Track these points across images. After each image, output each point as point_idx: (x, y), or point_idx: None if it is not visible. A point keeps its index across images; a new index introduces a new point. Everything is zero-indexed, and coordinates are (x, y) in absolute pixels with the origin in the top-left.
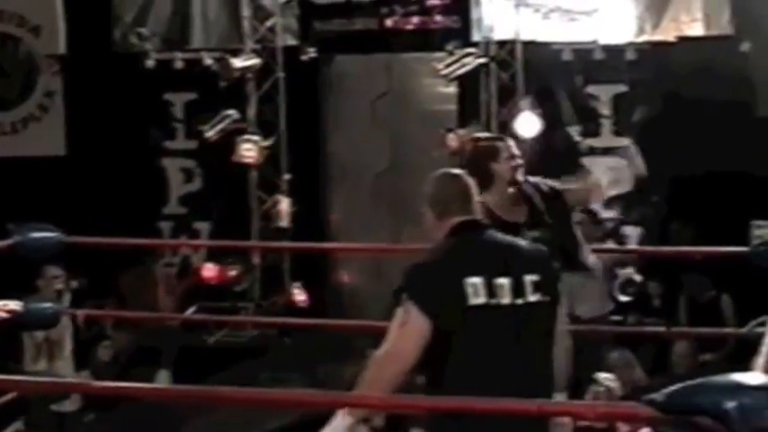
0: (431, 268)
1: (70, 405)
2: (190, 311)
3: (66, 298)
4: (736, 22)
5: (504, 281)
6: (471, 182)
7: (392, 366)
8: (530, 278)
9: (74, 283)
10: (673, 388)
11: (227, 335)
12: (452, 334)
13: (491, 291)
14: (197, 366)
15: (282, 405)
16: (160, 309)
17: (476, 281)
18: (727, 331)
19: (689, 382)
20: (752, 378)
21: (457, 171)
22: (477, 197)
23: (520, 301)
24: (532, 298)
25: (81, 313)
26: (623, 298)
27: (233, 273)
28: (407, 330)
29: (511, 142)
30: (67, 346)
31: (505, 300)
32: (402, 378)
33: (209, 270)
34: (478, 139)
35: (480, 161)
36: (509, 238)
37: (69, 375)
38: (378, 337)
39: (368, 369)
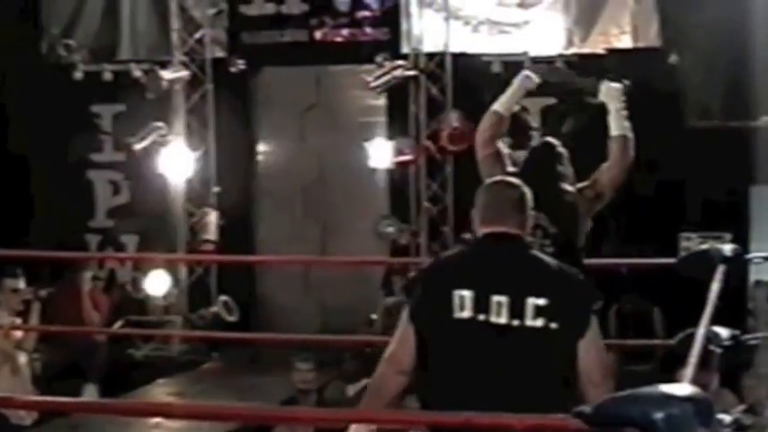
0: (427, 276)
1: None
2: (117, 325)
3: (36, 308)
4: (665, 35)
5: (502, 299)
6: (524, 194)
7: (387, 368)
8: (534, 301)
9: (42, 293)
10: (601, 399)
11: (154, 349)
12: (431, 343)
13: (482, 306)
14: (124, 380)
15: (212, 418)
16: (87, 322)
17: (465, 294)
18: (656, 343)
19: (618, 394)
20: (680, 389)
21: (513, 180)
22: (529, 211)
23: (516, 323)
24: (532, 322)
25: (5, 327)
26: None
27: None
28: (402, 334)
29: None
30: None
31: (500, 319)
32: (404, 379)
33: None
34: None
35: None
36: (534, 257)
37: (27, 389)
38: (306, 349)
39: (376, 370)
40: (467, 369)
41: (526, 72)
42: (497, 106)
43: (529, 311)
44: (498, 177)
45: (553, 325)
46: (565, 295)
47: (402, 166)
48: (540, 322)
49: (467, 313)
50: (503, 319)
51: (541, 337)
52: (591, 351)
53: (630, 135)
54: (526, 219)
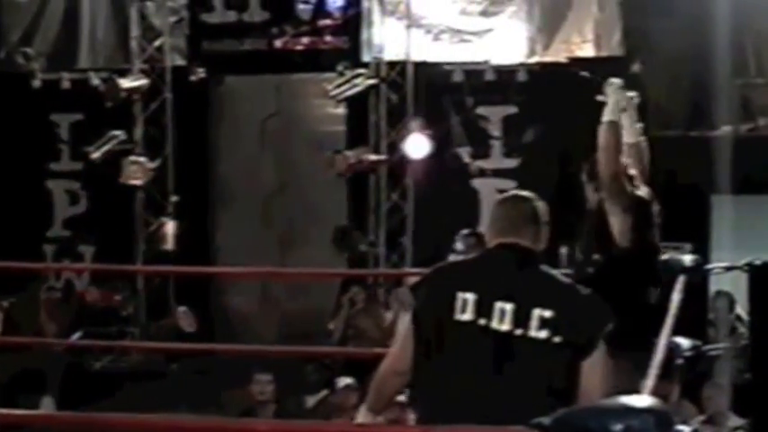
0: (433, 277)
1: None
2: (75, 336)
3: None
4: (628, 44)
5: (507, 306)
6: (540, 207)
7: (387, 368)
8: (539, 312)
9: (5, 303)
10: (560, 411)
11: (112, 360)
12: (429, 344)
13: (484, 311)
14: (82, 392)
15: (169, 431)
16: (44, 333)
17: (468, 297)
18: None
19: (575, 406)
20: (639, 400)
21: (527, 194)
22: (543, 224)
23: (518, 332)
24: (535, 333)
25: None
26: None
27: (117, 297)
28: (403, 333)
29: None
30: None
31: (503, 326)
32: (403, 380)
33: (93, 294)
34: None
35: None
36: (545, 271)
37: None
38: (265, 360)
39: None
40: (460, 372)
41: (611, 79)
42: (611, 116)
43: (534, 322)
44: (512, 192)
45: (557, 339)
46: (574, 311)
47: (362, 175)
48: (543, 334)
49: (467, 316)
50: (505, 327)
51: (543, 349)
52: (595, 373)
53: (621, 123)
54: (539, 231)
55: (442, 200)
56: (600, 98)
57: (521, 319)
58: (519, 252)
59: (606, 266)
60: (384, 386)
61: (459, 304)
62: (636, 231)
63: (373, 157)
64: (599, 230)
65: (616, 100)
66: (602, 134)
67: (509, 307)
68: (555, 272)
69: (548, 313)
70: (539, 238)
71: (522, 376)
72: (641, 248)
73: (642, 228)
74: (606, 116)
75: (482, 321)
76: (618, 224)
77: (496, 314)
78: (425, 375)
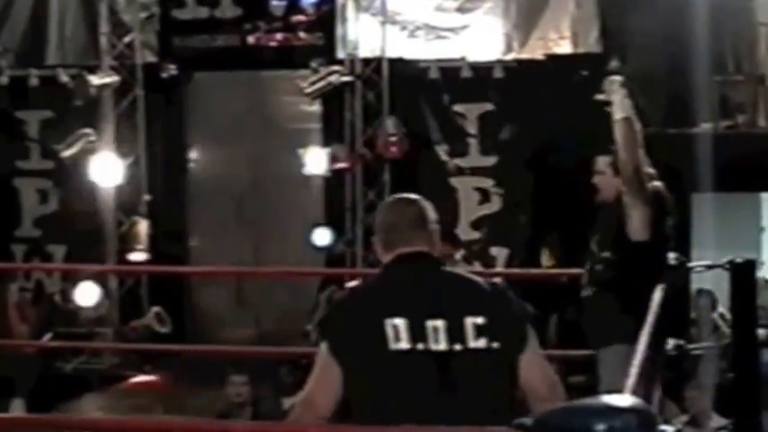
0: (349, 306)
1: None
2: (46, 338)
3: None
4: (605, 41)
5: (438, 323)
6: (427, 208)
7: (307, 415)
8: (472, 321)
9: None
10: (543, 411)
11: (84, 362)
12: (366, 382)
13: (418, 334)
14: (54, 394)
15: None
16: (14, 335)
17: (398, 323)
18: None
19: (558, 405)
20: (622, 400)
21: (412, 196)
22: (433, 225)
23: (458, 347)
24: (474, 344)
25: None
26: None
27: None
28: (321, 376)
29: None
30: None
31: (439, 345)
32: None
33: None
34: None
35: None
36: (456, 274)
37: None
38: (241, 361)
39: (291, 413)
40: (412, 405)
41: (611, 78)
42: (624, 113)
43: (469, 332)
44: (395, 196)
45: (495, 344)
46: (501, 311)
47: (337, 173)
48: (482, 343)
49: (404, 344)
50: (442, 346)
51: (486, 358)
52: (534, 365)
53: (634, 116)
54: (433, 234)
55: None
56: (600, 97)
57: (455, 333)
58: (424, 261)
59: (625, 259)
60: None
61: (390, 333)
62: (654, 224)
63: (349, 154)
64: (618, 224)
65: (622, 96)
66: (620, 131)
67: (440, 324)
68: (461, 272)
69: (480, 320)
70: (433, 241)
71: (476, 392)
72: (657, 240)
73: (660, 220)
74: (618, 113)
75: (420, 346)
76: (639, 218)
77: (430, 335)
78: (367, 416)
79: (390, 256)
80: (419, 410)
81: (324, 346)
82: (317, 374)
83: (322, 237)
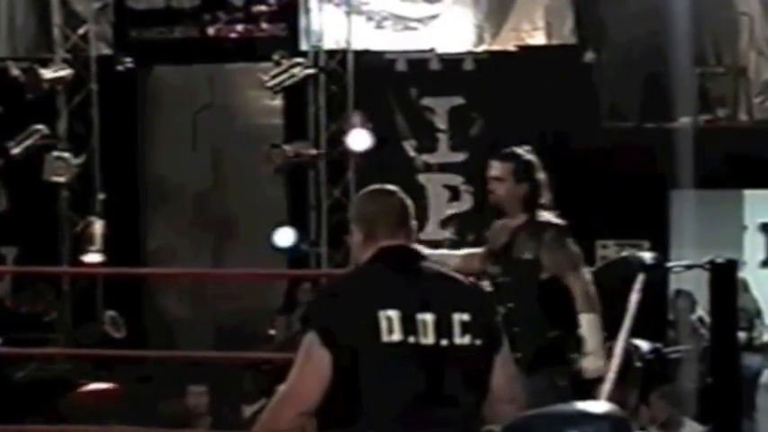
0: (340, 296)
1: None
2: None
3: None
4: (580, 32)
5: (427, 317)
6: (407, 201)
7: (289, 408)
8: (458, 317)
9: None
10: (513, 417)
11: (36, 369)
12: (358, 374)
13: (410, 327)
14: (4, 403)
15: None
16: None
17: (392, 314)
18: (572, 356)
19: (530, 412)
20: (595, 406)
21: (391, 187)
22: (412, 220)
23: (444, 342)
24: (460, 340)
25: None
26: None
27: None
28: (309, 366)
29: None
30: None
31: (428, 339)
32: (304, 419)
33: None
34: None
35: None
36: (439, 271)
37: None
38: (202, 367)
39: (266, 410)
40: (402, 398)
41: None
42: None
43: (456, 329)
44: (374, 187)
45: (477, 342)
46: (482, 309)
47: (301, 171)
48: (467, 339)
49: (396, 336)
50: (430, 340)
51: (470, 355)
52: (506, 366)
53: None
54: (412, 229)
55: None
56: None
57: (443, 328)
58: (408, 255)
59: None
60: (286, 431)
61: (384, 324)
62: None
63: (312, 151)
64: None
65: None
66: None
67: (429, 317)
68: (443, 269)
69: (465, 317)
70: (413, 237)
71: (462, 389)
72: None
73: None
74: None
75: (411, 339)
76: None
77: (420, 328)
78: (357, 408)
79: (372, 249)
80: (407, 407)
81: (311, 336)
82: (303, 365)
83: (285, 237)
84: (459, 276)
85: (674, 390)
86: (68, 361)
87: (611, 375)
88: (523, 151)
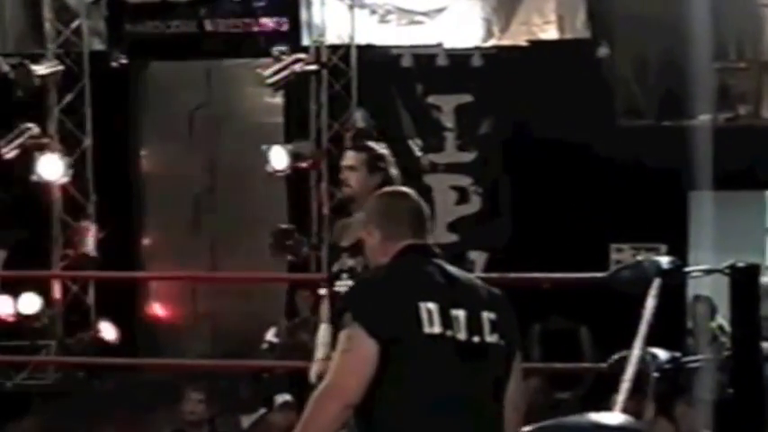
0: (380, 287)
1: None
2: None
3: None
4: (593, 25)
5: (460, 313)
6: (423, 202)
7: (336, 402)
8: (487, 315)
9: None
10: (524, 430)
11: (27, 377)
12: (400, 363)
13: (447, 321)
14: None
15: None
16: None
17: (431, 307)
18: (584, 366)
19: (542, 424)
20: (611, 418)
21: (407, 189)
22: (429, 221)
23: (476, 339)
24: (490, 338)
25: None
26: None
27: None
28: (353, 358)
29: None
30: None
31: (461, 335)
32: (349, 412)
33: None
34: None
35: None
36: (461, 271)
37: None
38: (196, 375)
39: (309, 406)
40: (443, 394)
41: None
42: None
43: (486, 326)
44: (392, 187)
45: (503, 342)
46: (506, 310)
47: (302, 171)
48: (495, 338)
49: (437, 328)
50: (463, 335)
51: (498, 353)
52: (518, 373)
53: None
54: (430, 229)
55: None
56: None
57: (474, 325)
58: (434, 253)
59: None
60: (333, 426)
61: (424, 316)
62: None
63: (314, 150)
64: None
65: None
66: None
67: (462, 314)
68: (462, 271)
69: (493, 316)
70: (430, 237)
71: (493, 387)
72: None
73: None
74: None
75: (449, 333)
76: None
77: (456, 323)
78: (400, 398)
79: (396, 247)
80: (444, 400)
81: (354, 327)
82: (347, 358)
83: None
84: (477, 279)
85: (697, 402)
86: (60, 369)
87: (625, 385)
88: (378, 144)
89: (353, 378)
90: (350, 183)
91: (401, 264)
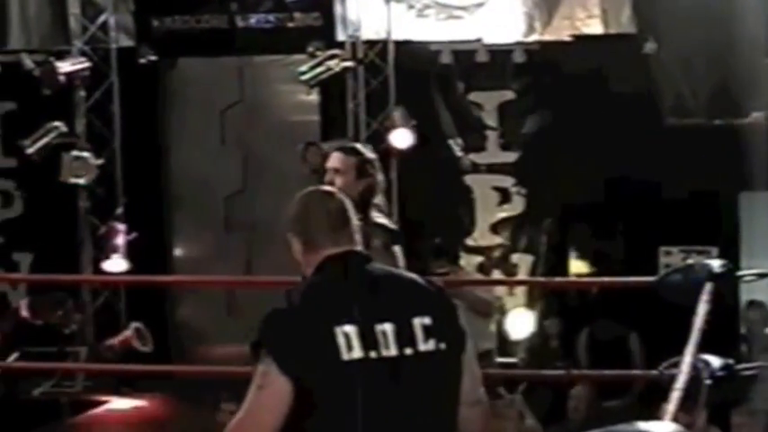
0: (293, 316)
1: None
2: (11, 359)
3: None
4: (639, 20)
5: (387, 327)
6: (347, 202)
7: None
8: (420, 321)
9: None
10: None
11: (55, 385)
12: (320, 397)
13: (370, 341)
14: (19, 422)
15: None
16: None
17: (349, 330)
18: (633, 374)
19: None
20: (661, 428)
21: (329, 189)
22: (355, 221)
23: (409, 352)
24: (424, 347)
25: None
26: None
27: (59, 312)
28: (267, 395)
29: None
30: None
31: (390, 351)
32: None
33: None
34: None
35: None
36: (393, 272)
37: None
38: (230, 383)
39: None
40: (374, 419)
41: None
42: None
43: (419, 335)
44: (310, 189)
45: (442, 345)
46: (444, 309)
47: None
48: (431, 345)
49: (357, 353)
50: (393, 351)
51: (436, 361)
52: (471, 367)
53: None
54: (355, 231)
55: (430, 198)
56: None
57: (405, 336)
58: (355, 261)
59: None
60: None
61: (342, 341)
62: None
63: None
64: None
65: None
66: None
67: (389, 327)
68: (392, 269)
69: (427, 320)
70: (357, 239)
71: (429, 398)
72: None
73: None
74: None
75: (373, 354)
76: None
77: (380, 340)
78: None
79: (316, 258)
80: (375, 422)
81: (267, 363)
82: (260, 395)
83: None
84: (414, 275)
85: (755, 411)
86: (90, 377)
87: (676, 394)
88: (366, 149)
89: (269, 415)
90: (336, 185)
91: (318, 282)
